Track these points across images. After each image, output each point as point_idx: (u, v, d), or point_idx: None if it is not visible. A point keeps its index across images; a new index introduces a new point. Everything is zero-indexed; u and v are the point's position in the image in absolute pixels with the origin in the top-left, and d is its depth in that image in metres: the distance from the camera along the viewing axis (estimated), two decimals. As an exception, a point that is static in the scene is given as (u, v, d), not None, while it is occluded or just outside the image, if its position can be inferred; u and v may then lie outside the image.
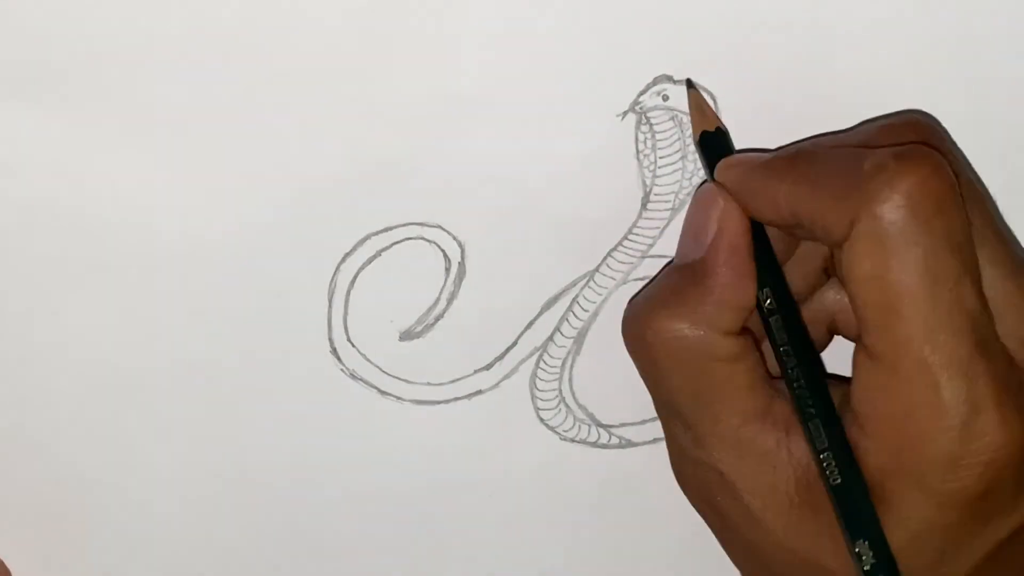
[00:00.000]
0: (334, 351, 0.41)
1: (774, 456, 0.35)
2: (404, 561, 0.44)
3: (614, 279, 0.41)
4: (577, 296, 0.41)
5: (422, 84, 0.39)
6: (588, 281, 0.41)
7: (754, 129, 0.39)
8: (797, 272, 0.38)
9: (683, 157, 0.40)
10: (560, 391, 0.42)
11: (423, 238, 0.40)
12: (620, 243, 0.41)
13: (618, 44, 0.39)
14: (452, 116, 0.39)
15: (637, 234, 0.40)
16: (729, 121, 0.39)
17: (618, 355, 0.41)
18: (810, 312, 0.38)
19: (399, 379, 0.42)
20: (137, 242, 0.40)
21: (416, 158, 0.39)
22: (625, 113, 0.39)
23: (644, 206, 0.40)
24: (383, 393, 0.42)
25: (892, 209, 0.32)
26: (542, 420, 0.42)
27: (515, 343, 0.41)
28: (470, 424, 0.42)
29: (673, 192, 0.40)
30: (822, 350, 0.39)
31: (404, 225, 0.40)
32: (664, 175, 0.40)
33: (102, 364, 0.41)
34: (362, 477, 0.43)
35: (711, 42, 0.39)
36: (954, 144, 0.38)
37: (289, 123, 0.39)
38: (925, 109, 0.39)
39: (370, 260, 0.40)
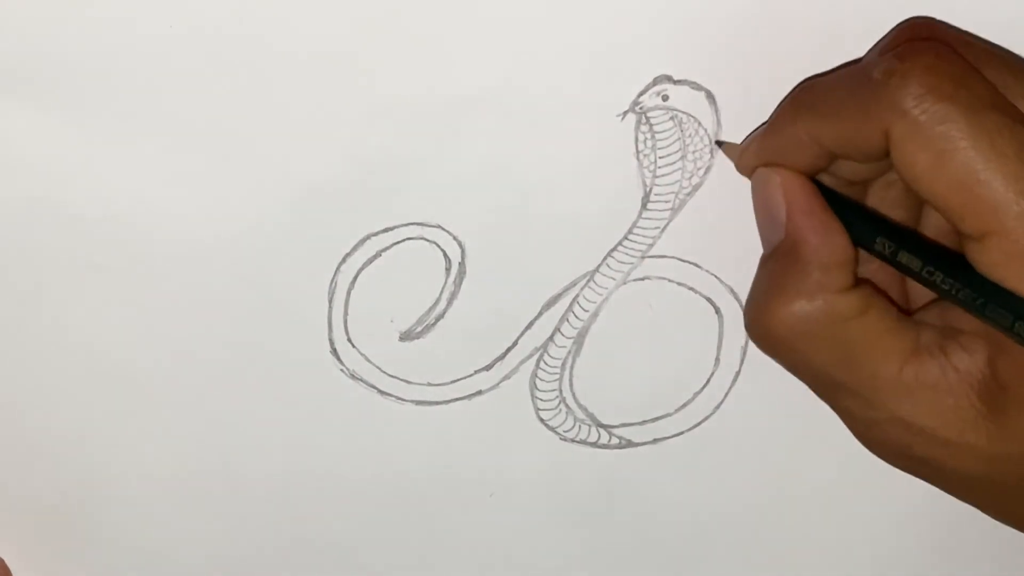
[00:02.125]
0: (334, 351, 0.41)
1: (944, 382, 0.35)
2: (404, 561, 0.44)
3: (614, 279, 0.41)
4: (577, 296, 0.41)
5: (422, 85, 0.39)
6: (588, 281, 0.41)
7: (752, 128, 0.39)
8: (888, 203, 0.38)
9: (683, 157, 0.40)
10: (560, 391, 0.42)
11: (423, 238, 0.40)
12: (620, 243, 0.41)
13: (618, 44, 0.39)
14: (452, 117, 0.39)
15: (637, 234, 0.40)
16: (729, 121, 0.40)
17: (618, 355, 0.42)
18: (933, 233, 0.38)
19: (399, 379, 0.42)
20: (137, 242, 0.40)
21: (416, 159, 0.39)
22: (625, 113, 0.39)
23: (644, 206, 0.40)
24: (383, 393, 0.42)
25: (916, 102, 0.33)
26: (542, 420, 0.42)
27: (515, 343, 0.41)
28: (470, 424, 0.42)
29: (673, 192, 0.40)
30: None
31: (404, 225, 0.40)
32: (664, 175, 0.40)
33: (102, 364, 0.41)
34: (362, 477, 0.43)
35: (711, 42, 0.39)
36: (956, 28, 0.38)
37: (289, 124, 0.39)
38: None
39: (370, 260, 0.40)
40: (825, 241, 0.35)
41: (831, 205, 0.36)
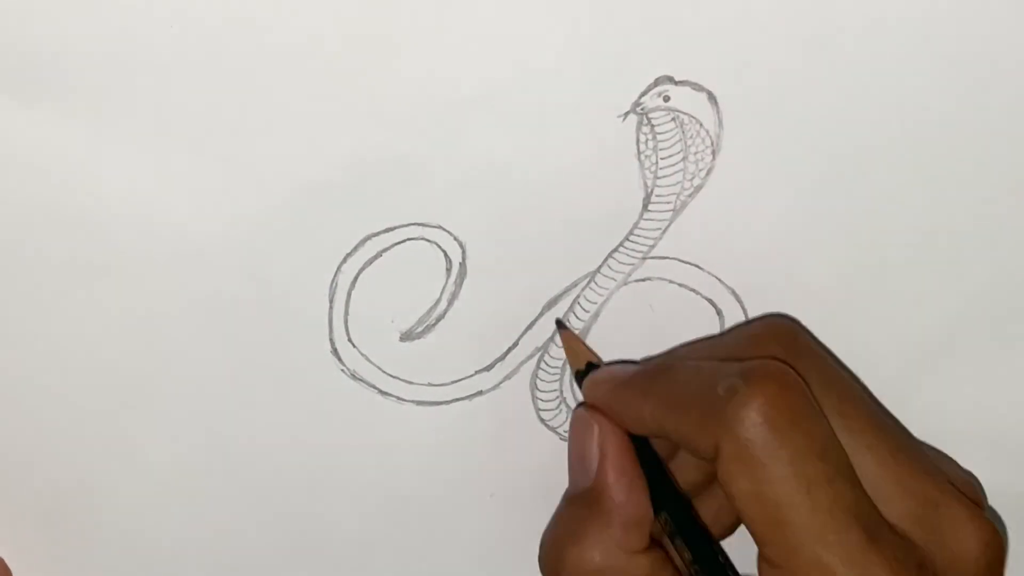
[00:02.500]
0: (335, 351, 0.41)
1: None
2: (404, 561, 0.44)
3: (615, 280, 0.41)
4: (578, 297, 0.41)
5: (423, 85, 0.39)
6: (589, 282, 0.41)
7: (754, 129, 0.39)
8: (691, 463, 0.39)
9: (684, 158, 0.40)
10: (561, 391, 0.42)
11: (424, 238, 0.40)
12: (621, 244, 0.41)
13: (619, 45, 0.39)
14: (453, 117, 0.39)
15: (638, 235, 0.41)
16: (730, 121, 0.40)
17: (619, 356, 0.42)
18: (713, 507, 0.39)
19: (400, 380, 0.41)
20: (137, 242, 0.40)
21: (417, 158, 0.39)
22: (626, 114, 0.39)
23: (645, 207, 0.40)
24: (384, 394, 0.42)
25: (750, 430, 0.33)
26: (543, 420, 0.42)
27: (516, 344, 0.41)
28: (471, 425, 0.42)
29: (674, 193, 0.40)
30: (728, 535, 0.40)
31: (405, 225, 0.40)
32: (665, 176, 0.40)
33: (102, 364, 0.41)
34: (362, 478, 0.43)
35: (711, 42, 0.39)
36: (817, 343, 0.40)
37: (290, 123, 0.39)
38: (923, 109, 0.39)
39: (371, 260, 0.40)
40: (629, 501, 0.37)
41: (642, 458, 0.37)
